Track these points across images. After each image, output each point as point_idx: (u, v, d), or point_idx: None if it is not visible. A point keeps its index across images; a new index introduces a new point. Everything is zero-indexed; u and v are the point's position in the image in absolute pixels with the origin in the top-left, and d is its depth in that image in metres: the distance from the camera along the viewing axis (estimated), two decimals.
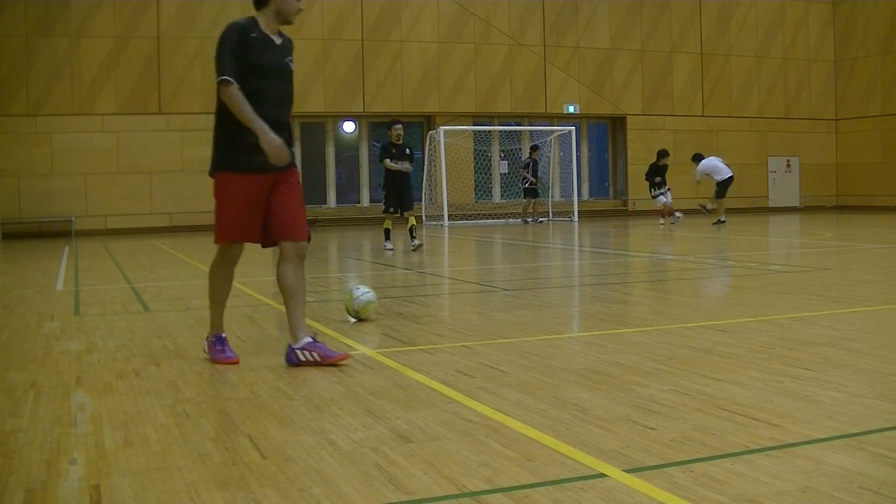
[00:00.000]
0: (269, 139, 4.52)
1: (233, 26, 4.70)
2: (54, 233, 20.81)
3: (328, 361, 4.71)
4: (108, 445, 3.36)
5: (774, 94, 28.52)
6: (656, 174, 19.58)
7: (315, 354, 4.72)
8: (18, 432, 3.59)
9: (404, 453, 3.16)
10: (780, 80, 28.63)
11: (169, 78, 22.02)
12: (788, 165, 28.72)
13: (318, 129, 24.38)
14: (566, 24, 25.72)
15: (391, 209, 13.41)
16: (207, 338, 5.04)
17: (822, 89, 29.17)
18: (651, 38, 26.73)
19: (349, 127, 24.76)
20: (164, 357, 5.16)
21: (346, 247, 15.74)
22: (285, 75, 4.82)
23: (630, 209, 26.42)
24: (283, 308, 7.22)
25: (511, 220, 23.58)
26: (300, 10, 4.85)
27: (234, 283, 8.61)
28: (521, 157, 24.82)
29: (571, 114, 25.92)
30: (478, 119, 25.46)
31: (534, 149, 23.17)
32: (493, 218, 23.97)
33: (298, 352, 4.73)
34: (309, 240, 4.94)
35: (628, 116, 26.50)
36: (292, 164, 4.82)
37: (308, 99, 22.72)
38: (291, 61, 4.89)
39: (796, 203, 28.72)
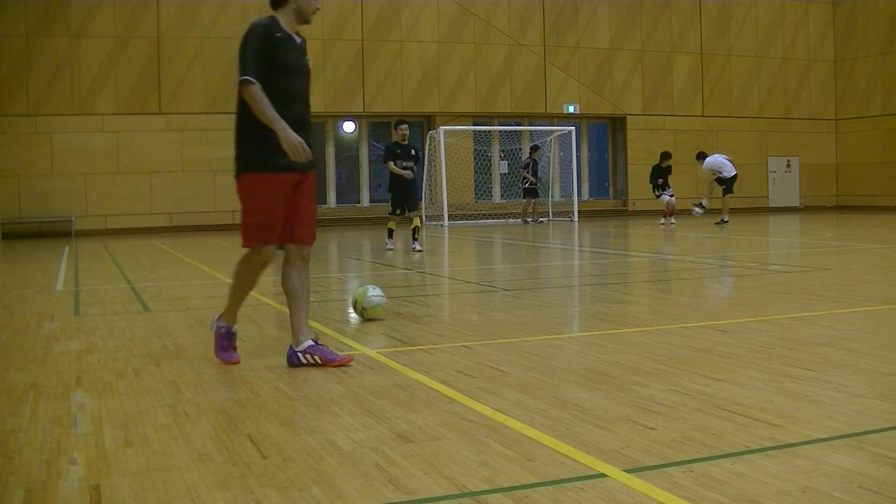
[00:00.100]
0: (290, 137, 4.50)
1: (258, 26, 4.68)
2: (54, 233, 20.81)
3: (331, 364, 4.71)
4: (108, 445, 3.36)
5: (774, 94, 28.52)
6: (659, 176, 19.58)
7: (317, 357, 4.71)
8: (18, 432, 3.59)
9: (404, 453, 3.16)
10: (780, 80, 28.63)
11: (169, 78, 22.02)
12: (788, 165, 28.72)
13: (317, 129, 24.36)
14: (566, 24, 25.72)
15: (398, 211, 13.28)
16: (219, 324, 4.92)
17: (822, 89, 29.18)
18: (651, 38, 26.74)
19: (349, 127, 24.76)
20: (164, 357, 5.16)
21: (346, 247, 15.74)
22: (306, 74, 4.85)
23: (630, 209, 26.42)
24: (283, 308, 7.24)
25: (511, 220, 23.58)
26: (317, 9, 4.86)
27: None
28: (521, 157, 24.82)
29: (571, 114, 25.92)
30: (478, 119, 25.46)
31: (534, 149, 23.17)
32: (493, 218, 23.97)
33: (300, 354, 4.72)
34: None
35: (628, 116, 26.50)
36: (311, 165, 4.79)
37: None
38: (308, 60, 4.90)
39: (796, 203, 28.72)
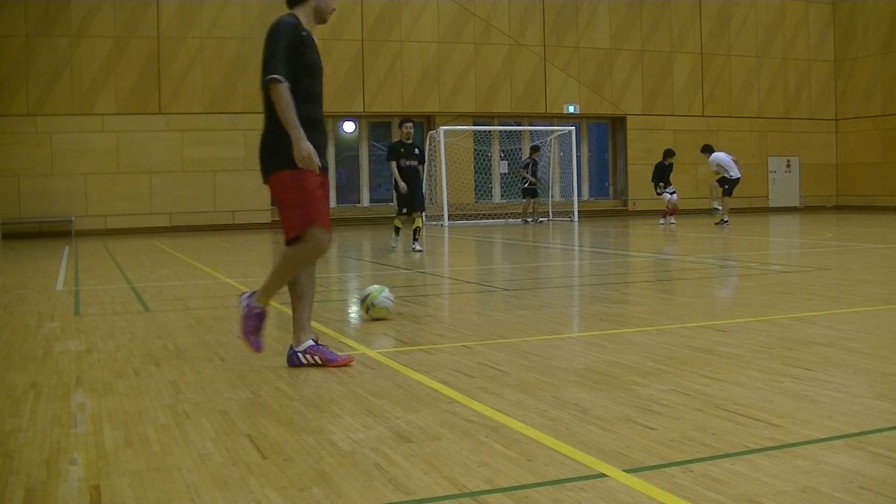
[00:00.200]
0: (303, 147, 4.48)
1: (286, 24, 4.63)
2: (54, 233, 20.81)
3: (331, 365, 4.70)
4: (108, 445, 3.36)
5: (774, 94, 28.52)
6: (662, 174, 19.58)
7: (317, 358, 4.71)
8: (18, 432, 3.59)
9: (404, 453, 3.16)
10: (780, 80, 28.63)
11: (169, 78, 22.01)
12: (788, 165, 28.72)
13: None
14: (566, 24, 25.72)
15: (404, 210, 13.24)
16: (250, 302, 4.75)
17: (822, 89, 29.18)
18: (651, 38, 26.73)
19: (349, 127, 24.76)
20: (164, 357, 5.16)
21: (346, 247, 15.73)
22: (322, 74, 4.84)
23: (630, 209, 26.42)
24: (283, 308, 7.24)
25: (511, 220, 23.58)
26: (334, 9, 4.87)
27: (233, 283, 8.63)
28: (521, 157, 24.82)
29: (571, 114, 25.92)
30: (478, 119, 25.46)
31: (534, 149, 23.18)
32: (493, 218, 23.97)
33: (300, 354, 4.72)
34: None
35: (628, 116, 26.50)
36: (326, 168, 4.80)
37: None
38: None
39: (796, 203, 28.72)
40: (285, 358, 4.82)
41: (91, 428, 3.63)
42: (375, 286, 6.47)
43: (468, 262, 12.63)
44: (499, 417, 3.61)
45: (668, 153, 19.76)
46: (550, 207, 24.10)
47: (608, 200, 27.19)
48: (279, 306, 7.38)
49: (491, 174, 25.62)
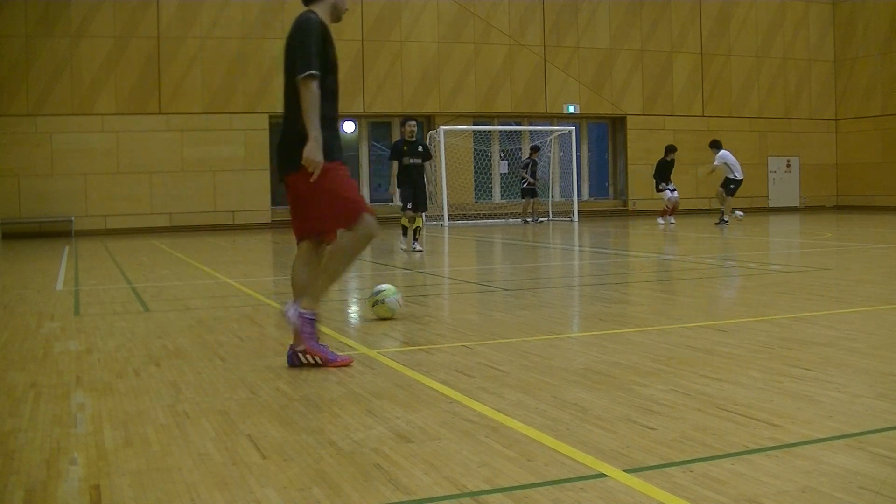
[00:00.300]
0: (318, 151, 4.49)
1: (314, 20, 4.63)
2: (54, 233, 20.82)
3: (331, 365, 4.70)
4: (108, 445, 3.36)
5: (774, 94, 28.53)
6: (664, 171, 19.59)
7: (317, 358, 4.70)
8: (18, 432, 3.59)
9: (404, 453, 3.16)
10: (780, 80, 28.63)
11: (169, 78, 22.02)
12: (788, 165, 28.72)
13: None
14: (566, 24, 25.72)
15: (409, 205, 13.16)
16: (302, 310, 4.66)
17: (822, 89, 29.18)
18: (651, 38, 26.74)
19: (349, 127, 24.76)
20: (164, 357, 5.16)
21: None
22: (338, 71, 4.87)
23: (630, 209, 26.42)
24: (281, 308, 7.23)
25: (511, 220, 23.59)
26: (347, 9, 4.89)
27: (233, 283, 8.64)
28: (520, 157, 24.82)
29: (571, 114, 25.92)
30: (478, 119, 25.46)
31: (534, 149, 23.18)
32: (493, 218, 23.97)
33: (300, 354, 4.71)
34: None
35: (628, 116, 26.51)
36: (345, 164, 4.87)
37: None
38: None
39: (796, 203, 28.72)
40: (285, 358, 4.82)
41: (91, 428, 3.63)
42: (391, 287, 6.46)
43: (468, 262, 12.63)
44: (499, 417, 3.61)
45: (670, 149, 19.76)
46: (550, 207, 24.10)
47: (608, 200, 27.20)
48: (279, 306, 7.37)
49: (491, 174, 25.62)
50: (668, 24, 26.98)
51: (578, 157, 25.85)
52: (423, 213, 13.62)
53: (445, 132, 22.26)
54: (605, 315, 6.55)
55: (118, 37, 21.64)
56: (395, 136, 13.04)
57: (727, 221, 18.83)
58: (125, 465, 3.10)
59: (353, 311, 7.27)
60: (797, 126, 28.74)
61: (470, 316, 6.84)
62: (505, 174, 25.63)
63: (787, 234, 17.14)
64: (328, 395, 4.12)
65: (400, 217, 13.50)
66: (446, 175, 22.20)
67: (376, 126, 25.18)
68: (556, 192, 25.93)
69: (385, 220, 14.02)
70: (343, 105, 5.15)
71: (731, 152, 19.60)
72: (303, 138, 4.55)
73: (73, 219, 21.05)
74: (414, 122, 13.28)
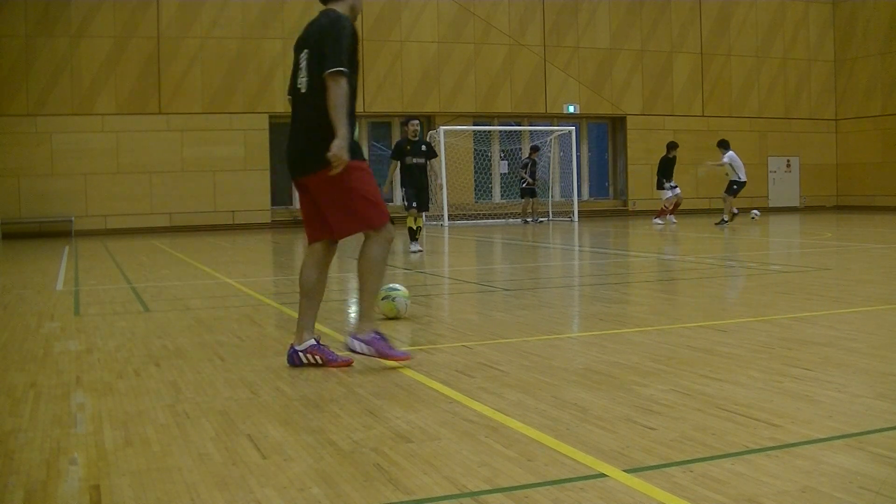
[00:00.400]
0: (346, 148, 4.46)
1: (345, 19, 4.62)
2: (54, 233, 20.82)
3: (331, 365, 4.70)
4: (108, 445, 3.36)
5: (774, 94, 28.53)
6: (667, 167, 19.61)
7: (318, 357, 4.69)
8: (18, 432, 3.59)
9: (404, 453, 3.16)
10: (780, 80, 28.63)
11: (169, 78, 22.02)
12: (788, 165, 28.72)
13: None
14: (566, 24, 25.72)
15: (413, 204, 13.09)
16: (367, 336, 4.62)
17: (822, 89, 29.18)
18: (651, 38, 26.74)
19: None
20: (164, 357, 5.16)
21: (346, 246, 15.72)
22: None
23: (630, 209, 26.42)
24: (283, 308, 7.24)
25: (511, 220, 23.59)
26: (361, 10, 4.89)
27: (233, 283, 8.65)
28: (520, 157, 24.83)
29: (571, 114, 25.92)
30: (478, 119, 25.46)
31: (534, 149, 23.19)
32: (493, 218, 23.97)
33: (301, 354, 4.70)
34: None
35: (628, 116, 26.51)
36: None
37: None
38: None
39: (796, 203, 28.72)
40: (285, 358, 4.82)
41: (91, 428, 3.63)
42: (405, 290, 6.43)
43: (468, 262, 12.63)
44: (499, 417, 3.61)
45: (672, 146, 19.79)
46: (550, 207, 24.10)
47: (608, 200, 27.20)
48: (279, 306, 7.38)
49: (491, 174, 25.62)
50: (668, 24, 26.98)
51: (578, 157, 25.85)
52: (424, 213, 13.60)
53: (445, 132, 22.26)
54: (605, 315, 6.55)
55: (118, 37, 21.64)
56: (396, 137, 13.00)
57: (727, 221, 18.83)
58: (125, 465, 3.10)
59: (353, 312, 7.27)
60: (797, 126, 28.74)
61: (470, 316, 6.84)
62: (505, 174, 25.63)
63: (787, 234, 17.13)
64: (328, 395, 4.12)
65: (405, 217, 13.44)
66: (446, 175, 22.19)
67: (376, 126, 25.17)
68: (556, 192, 25.93)
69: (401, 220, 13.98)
70: None
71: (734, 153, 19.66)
72: (325, 137, 4.50)
73: (73, 219, 21.05)
74: (417, 122, 13.22)
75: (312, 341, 4.73)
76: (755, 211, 20.44)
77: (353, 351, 4.63)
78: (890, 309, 6.51)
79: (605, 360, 4.72)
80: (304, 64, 4.66)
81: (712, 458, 3.02)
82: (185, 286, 9.24)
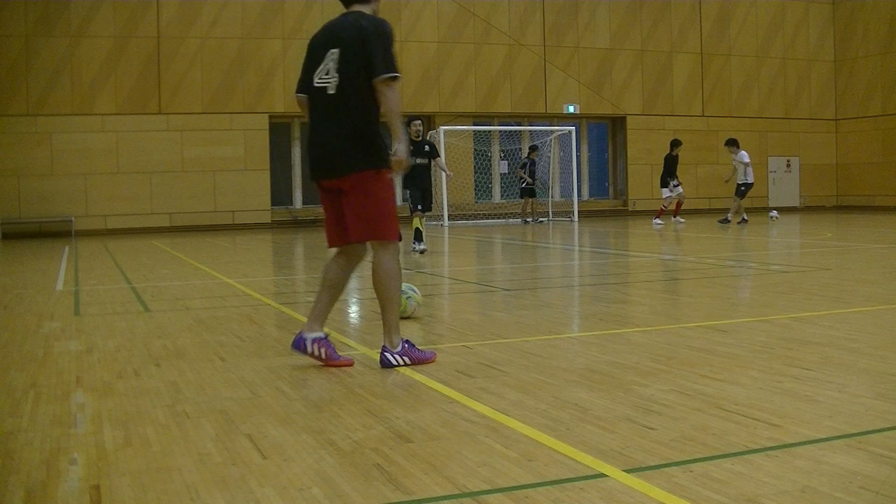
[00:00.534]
0: (407, 152, 4.50)
1: (388, 24, 4.64)
2: (54, 233, 20.82)
3: (331, 364, 4.69)
4: (108, 445, 3.36)
5: (774, 94, 28.53)
6: (671, 165, 19.65)
7: (322, 352, 4.67)
8: (18, 432, 3.59)
9: (404, 453, 3.16)
10: (780, 80, 28.63)
11: (169, 78, 22.02)
12: (788, 165, 28.72)
13: None
14: (566, 24, 25.72)
15: (419, 206, 13.05)
16: (392, 351, 4.65)
17: (822, 89, 29.18)
18: (651, 38, 26.74)
19: None
20: (164, 357, 5.16)
21: None
22: None
23: (630, 209, 26.42)
24: (283, 308, 7.25)
25: (511, 220, 23.60)
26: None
27: (233, 283, 8.66)
28: (520, 157, 24.83)
29: (571, 114, 25.92)
30: (478, 119, 25.46)
31: (533, 149, 23.19)
32: (493, 218, 23.97)
33: (308, 342, 4.68)
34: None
35: (628, 116, 26.51)
36: None
37: None
38: None
39: (796, 203, 28.71)
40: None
41: (91, 428, 3.63)
42: (419, 296, 6.41)
43: (468, 262, 12.62)
44: (499, 417, 3.61)
45: (675, 143, 19.83)
46: (550, 207, 24.10)
47: (608, 200, 27.20)
48: (279, 306, 7.38)
49: (491, 174, 25.62)
50: (668, 24, 26.98)
51: (578, 157, 25.86)
52: (426, 214, 13.59)
53: (445, 132, 22.26)
54: (605, 315, 6.55)
55: (118, 37, 21.64)
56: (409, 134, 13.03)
57: (729, 221, 18.86)
58: (125, 465, 3.10)
59: (353, 312, 7.27)
60: (797, 126, 28.74)
61: (470, 316, 6.84)
62: (505, 174, 25.64)
63: (787, 234, 17.13)
64: (328, 395, 4.12)
65: (410, 218, 13.40)
66: (446, 176, 22.18)
67: None
68: (556, 192, 25.94)
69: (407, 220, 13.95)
70: None
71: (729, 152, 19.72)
72: (360, 140, 4.54)
73: (73, 219, 21.05)
74: (419, 122, 13.20)
75: (322, 334, 4.72)
76: (774, 212, 20.47)
77: (390, 366, 4.63)
78: (890, 309, 6.52)
79: (605, 360, 4.72)
80: (331, 64, 4.62)
81: (712, 458, 3.02)
82: (185, 286, 9.24)
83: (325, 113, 4.67)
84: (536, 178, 23.15)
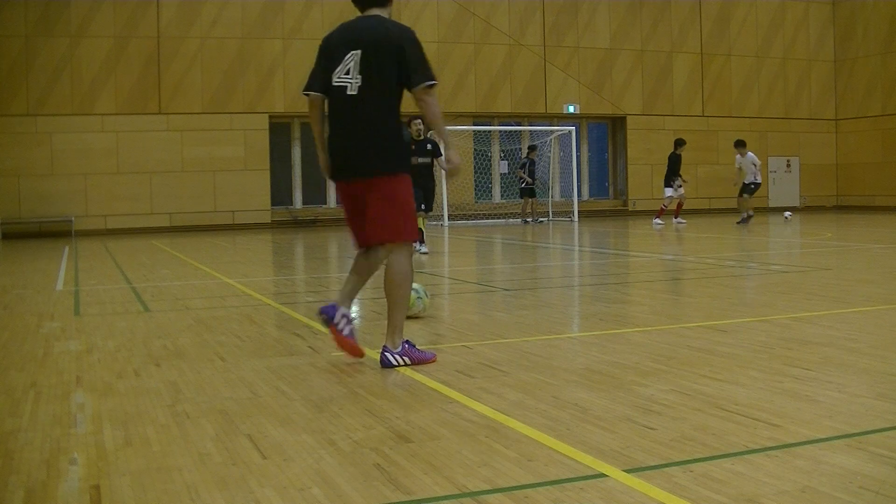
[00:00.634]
0: (457, 153, 4.60)
1: (413, 31, 4.71)
2: (54, 233, 20.81)
3: (343, 345, 4.74)
4: (108, 445, 3.36)
5: (774, 94, 28.52)
6: (676, 164, 19.70)
7: (346, 330, 4.71)
8: (18, 432, 3.59)
9: (404, 453, 3.16)
10: (780, 80, 28.63)
11: (169, 78, 22.02)
12: (788, 165, 28.72)
13: None
14: (566, 24, 25.72)
15: (421, 206, 13.00)
16: (392, 351, 4.65)
17: (822, 89, 29.17)
18: (651, 38, 26.73)
19: None
20: (164, 357, 5.16)
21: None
22: None
23: (630, 209, 26.42)
24: (282, 308, 7.26)
25: (511, 219, 23.60)
26: None
27: (233, 283, 8.68)
28: (520, 157, 24.83)
29: (571, 114, 25.92)
30: (478, 119, 25.46)
31: (532, 149, 23.19)
32: (493, 218, 23.97)
33: (338, 315, 4.71)
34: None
35: (628, 116, 26.50)
36: None
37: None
38: None
39: (796, 203, 28.70)
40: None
41: (91, 428, 3.63)
42: (428, 300, 6.42)
43: (468, 262, 12.62)
44: (499, 417, 3.61)
45: (680, 142, 19.89)
46: (550, 207, 24.10)
47: (608, 200, 27.20)
48: (279, 306, 7.38)
49: (491, 174, 25.62)
50: (668, 24, 26.97)
51: (578, 157, 25.86)
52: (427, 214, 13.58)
53: None
54: (605, 315, 6.55)
55: (118, 37, 21.64)
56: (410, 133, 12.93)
57: (749, 217, 19.03)
58: (125, 465, 3.10)
59: (354, 312, 7.27)
60: (797, 126, 28.73)
61: (470, 316, 6.84)
62: (505, 174, 25.64)
63: (787, 234, 17.13)
64: (328, 395, 4.12)
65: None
66: (446, 176, 22.18)
67: None
68: (556, 192, 25.94)
69: None
70: None
71: (736, 153, 19.82)
72: (385, 141, 4.62)
73: (73, 219, 21.05)
74: (420, 121, 13.16)
75: (350, 312, 4.79)
76: (788, 213, 20.55)
77: (390, 366, 4.63)
78: (890, 309, 6.52)
79: (605, 360, 4.72)
80: (352, 64, 4.63)
81: (712, 458, 3.02)
82: (185, 286, 9.24)
83: (346, 113, 4.69)
84: (536, 178, 23.14)
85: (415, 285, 6.32)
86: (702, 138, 26.77)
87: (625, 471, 2.90)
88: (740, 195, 19.32)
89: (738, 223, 19.02)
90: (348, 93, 4.63)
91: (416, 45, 4.62)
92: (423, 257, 12.35)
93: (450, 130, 22.16)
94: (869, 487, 2.71)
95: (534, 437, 3.31)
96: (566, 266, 11.56)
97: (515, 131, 25.57)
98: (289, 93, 22.57)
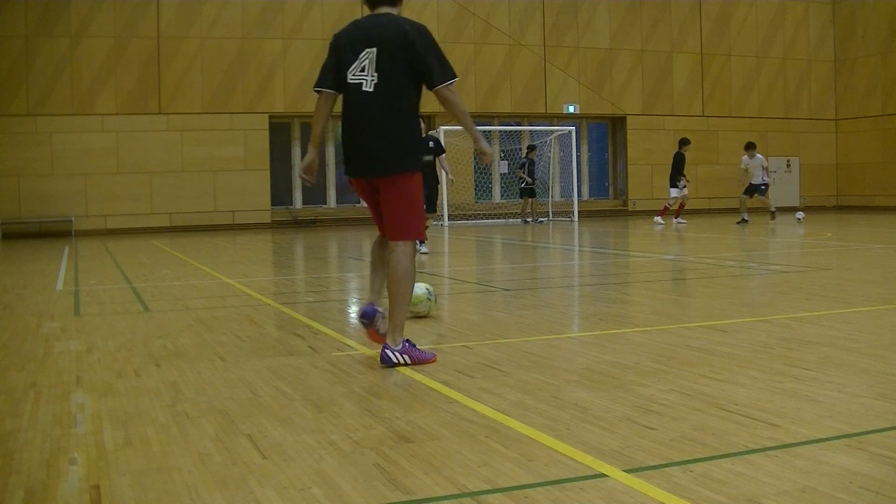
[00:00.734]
0: (487, 142, 4.64)
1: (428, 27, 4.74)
2: (54, 233, 20.81)
3: (372, 335, 4.87)
4: (108, 445, 3.36)
5: (774, 94, 28.52)
6: (681, 164, 19.73)
7: (378, 324, 4.81)
8: (18, 432, 3.59)
9: (404, 453, 3.16)
10: (780, 80, 28.63)
11: (169, 78, 22.02)
12: (788, 165, 28.71)
13: None
14: (566, 24, 25.72)
15: (425, 206, 12.95)
16: (392, 347, 4.64)
17: (822, 89, 29.17)
18: (651, 38, 26.73)
19: None
20: (164, 357, 5.16)
21: (346, 246, 15.75)
22: None
23: (630, 209, 26.42)
24: (282, 308, 7.27)
25: (511, 219, 23.60)
26: None
27: (233, 283, 8.70)
28: (520, 157, 24.82)
29: (571, 114, 25.91)
30: (478, 119, 25.42)
31: (531, 149, 23.19)
32: (493, 218, 23.97)
33: (375, 310, 4.83)
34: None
35: (628, 116, 26.50)
36: None
37: (307, 99, 22.70)
38: None
39: (796, 203, 28.66)
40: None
41: (91, 428, 3.63)
42: (433, 303, 6.42)
43: (468, 262, 12.62)
44: (499, 417, 3.61)
45: (685, 142, 19.93)
46: (550, 207, 24.10)
47: (608, 200, 27.19)
48: (279, 306, 7.38)
49: (491, 174, 25.61)
50: (668, 24, 26.97)
51: (578, 157, 25.85)
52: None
53: (445, 132, 22.25)
54: (605, 315, 6.55)
55: (118, 37, 21.64)
56: None
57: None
58: (125, 465, 3.10)
59: (354, 312, 7.27)
60: (797, 126, 28.73)
61: (470, 316, 6.84)
62: (505, 174, 25.63)
63: (787, 234, 17.13)
64: (328, 395, 4.12)
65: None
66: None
67: None
68: (556, 192, 25.93)
69: None
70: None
71: (744, 154, 19.90)
72: (402, 139, 4.66)
73: (73, 219, 21.05)
74: (420, 119, 13.15)
75: (381, 309, 4.86)
76: (800, 213, 20.60)
77: (389, 363, 4.63)
78: (890, 309, 6.52)
79: (605, 360, 4.72)
80: (367, 62, 4.65)
81: (712, 458, 3.02)
82: (185, 286, 9.24)
83: (361, 111, 4.70)
84: (536, 177, 23.14)
85: (425, 286, 6.36)
86: (702, 138, 26.75)
87: (625, 471, 2.90)
88: (749, 195, 19.35)
89: (737, 223, 19.03)
90: (363, 89, 4.66)
91: (433, 42, 4.66)
92: (424, 257, 12.35)
93: (450, 130, 22.12)
94: (869, 487, 2.71)
95: (534, 437, 3.31)
96: (566, 266, 11.56)
97: (515, 131, 25.57)
98: (289, 93, 22.57)
